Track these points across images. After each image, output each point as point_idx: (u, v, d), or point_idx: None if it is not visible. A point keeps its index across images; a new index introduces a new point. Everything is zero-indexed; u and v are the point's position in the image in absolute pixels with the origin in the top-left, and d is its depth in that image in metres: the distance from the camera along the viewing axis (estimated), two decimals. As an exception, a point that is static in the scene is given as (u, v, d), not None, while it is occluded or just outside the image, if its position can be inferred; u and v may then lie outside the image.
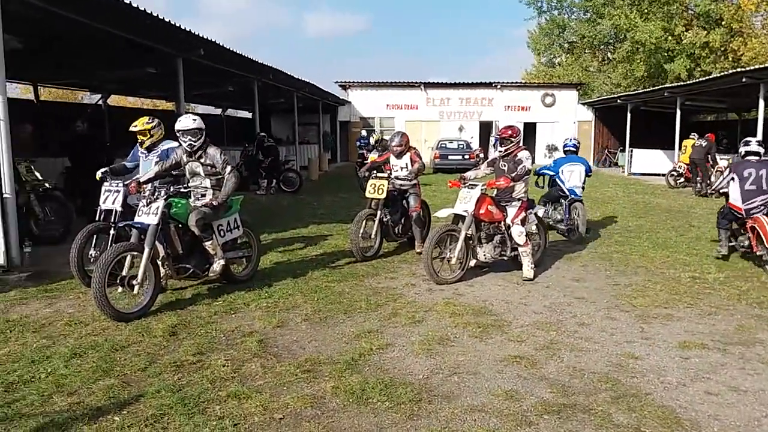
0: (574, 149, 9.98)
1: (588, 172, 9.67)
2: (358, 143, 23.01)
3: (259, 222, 8.45)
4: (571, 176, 9.47)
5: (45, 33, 9.16)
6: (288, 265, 7.55)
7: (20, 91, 27.43)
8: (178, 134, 6.07)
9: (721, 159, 17.12)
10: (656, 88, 22.99)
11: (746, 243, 7.56)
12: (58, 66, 13.75)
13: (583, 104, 31.23)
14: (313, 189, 17.62)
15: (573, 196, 9.37)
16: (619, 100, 25.65)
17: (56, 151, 11.64)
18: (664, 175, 19.10)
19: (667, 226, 10.85)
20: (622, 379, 4.13)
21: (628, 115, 25.04)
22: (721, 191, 7.91)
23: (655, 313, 5.63)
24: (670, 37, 29.07)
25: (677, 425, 3.50)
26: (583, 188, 9.57)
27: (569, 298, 6.21)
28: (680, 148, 18.62)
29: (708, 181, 16.16)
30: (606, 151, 30.05)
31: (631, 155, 24.22)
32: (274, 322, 5.28)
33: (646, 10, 29.96)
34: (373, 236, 8.01)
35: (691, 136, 17.77)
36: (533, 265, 6.99)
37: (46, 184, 8.57)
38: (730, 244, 7.85)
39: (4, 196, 6.70)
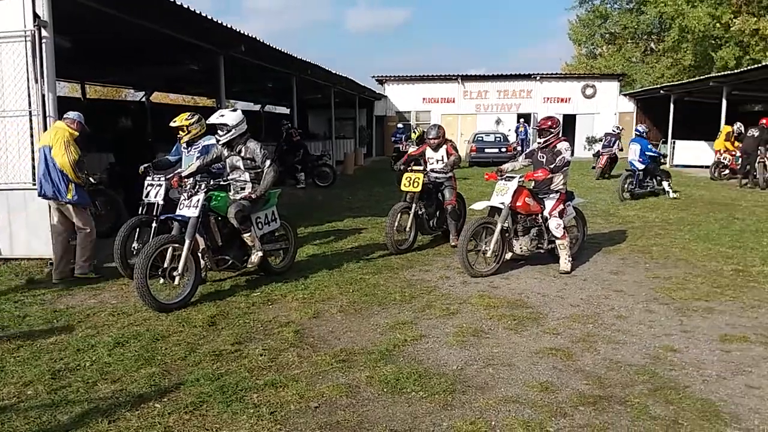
0: (639, 133, 14.40)
1: (649, 151, 13.68)
2: (393, 138, 23.11)
3: (295, 216, 8.55)
4: (630, 152, 13.88)
5: (93, 32, 9.44)
6: (324, 258, 7.64)
7: (68, 90, 28.29)
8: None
9: None
10: (701, 77, 22.29)
11: None
12: (105, 64, 14.14)
13: (625, 95, 30.54)
14: (348, 183, 17.72)
15: (631, 166, 13.66)
16: (662, 91, 24.97)
17: (101, 147, 11.96)
18: (707, 167, 18.54)
19: (710, 218, 10.55)
20: (660, 372, 4.07)
21: (671, 105, 24.37)
22: None
23: (695, 306, 5.51)
24: (717, 25, 28.14)
25: (716, 418, 3.43)
26: (643, 162, 13.51)
27: (607, 291, 6.12)
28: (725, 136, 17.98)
29: (754, 174, 15.60)
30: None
31: (674, 147, 23.59)
32: (310, 313, 5.36)
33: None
34: (407, 229, 8.03)
35: (736, 125, 17.15)
36: (571, 258, 6.91)
37: (91, 179, 8.83)
38: None
39: (53, 191, 6.92)
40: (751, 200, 13.07)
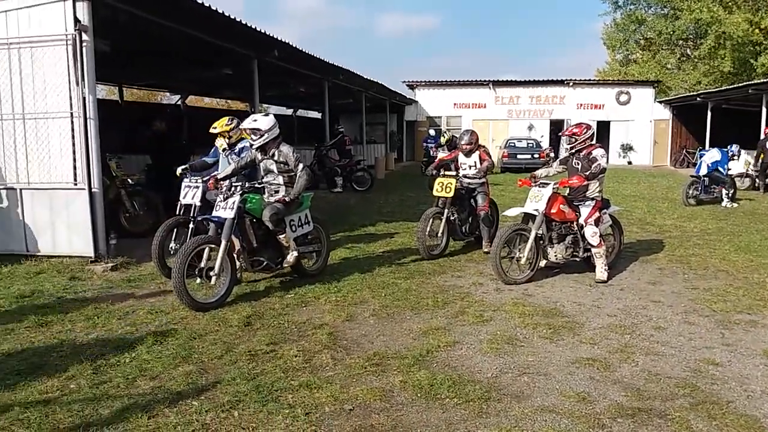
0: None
1: (720, 165, 13.43)
2: (424, 143, 23.08)
3: (328, 219, 8.57)
4: (705, 156, 13.98)
5: (131, 36, 9.65)
6: (356, 261, 7.66)
7: (106, 93, 28.96)
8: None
9: None
10: (740, 85, 21.79)
11: None
12: (142, 68, 14.44)
13: (660, 102, 30.03)
14: (380, 188, 17.74)
15: (696, 172, 13.97)
16: (698, 98, 24.51)
17: (139, 149, 12.22)
18: (748, 175, 18.05)
19: (750, 229, 10.28)
20: (702, 386, 3.97)
21: (709, 113, 23.87)
22: None
23: (737, 319, 5.37)
24: (756, 31, 27.45)
25: (762, 436, 3.34)
26: (708, 169, 13.46)
27: (645, 301, 6.00)
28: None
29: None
30: (684, 152, 28.79)
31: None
32: (343, 316, 5.38)
33: (729, 3, 28.49)
34: (439, 235, 8.00)
35: None
36: (607, 267, 6.79)
37: (129, 180, 9.01)
38: None
39: (93, 190, 7.10)
40: (792, 211, 12.71)
